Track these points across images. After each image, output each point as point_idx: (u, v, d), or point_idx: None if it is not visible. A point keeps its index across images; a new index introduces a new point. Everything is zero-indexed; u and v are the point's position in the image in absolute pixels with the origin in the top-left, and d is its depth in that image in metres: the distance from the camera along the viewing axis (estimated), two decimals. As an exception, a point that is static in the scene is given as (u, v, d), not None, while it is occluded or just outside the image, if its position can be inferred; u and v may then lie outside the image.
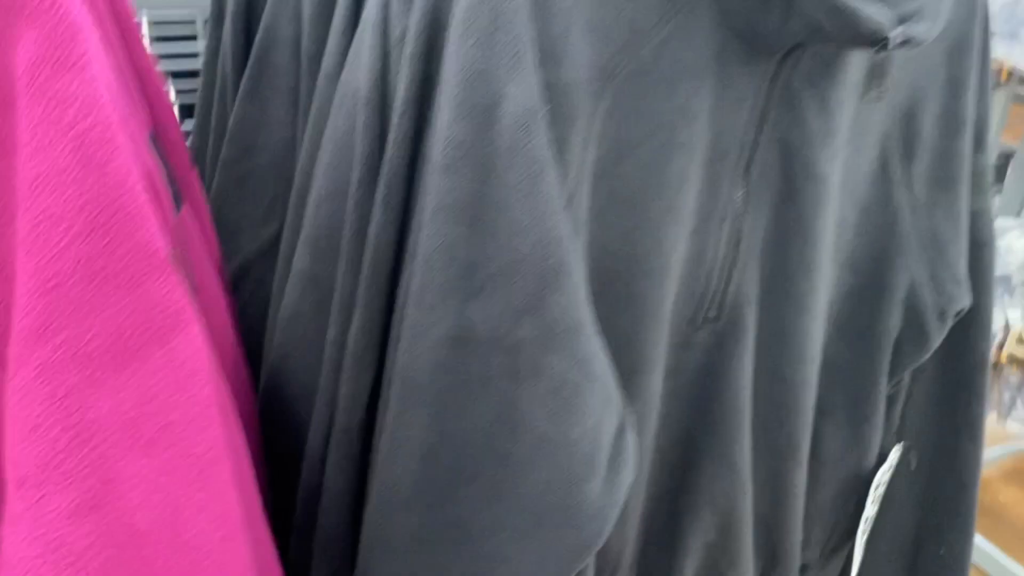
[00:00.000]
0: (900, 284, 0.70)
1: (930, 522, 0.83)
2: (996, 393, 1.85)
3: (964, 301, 0.72)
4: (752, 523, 0.75)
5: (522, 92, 0.45)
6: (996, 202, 1.92)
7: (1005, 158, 1.89)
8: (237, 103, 0.69)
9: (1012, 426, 1.79)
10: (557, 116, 0.49)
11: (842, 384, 0.74)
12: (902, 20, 0.52)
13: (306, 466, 0.57)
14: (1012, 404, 1.79)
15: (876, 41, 0.51)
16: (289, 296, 0.62)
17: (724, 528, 0.73)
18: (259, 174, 0.70)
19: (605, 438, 0.51)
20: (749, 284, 0.65)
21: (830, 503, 0.79)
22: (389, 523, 0.51)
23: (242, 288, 0.73)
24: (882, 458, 0.78)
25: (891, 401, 0.77)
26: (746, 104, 0.58)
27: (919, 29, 0.52)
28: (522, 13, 0.45)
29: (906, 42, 0.51)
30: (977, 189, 0.72)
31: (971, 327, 0.76)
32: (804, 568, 0.83)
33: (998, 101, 1.80)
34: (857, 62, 0.61)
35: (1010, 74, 1.72)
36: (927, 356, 0.73)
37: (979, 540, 1.98)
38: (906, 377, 0.76)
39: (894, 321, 0.71)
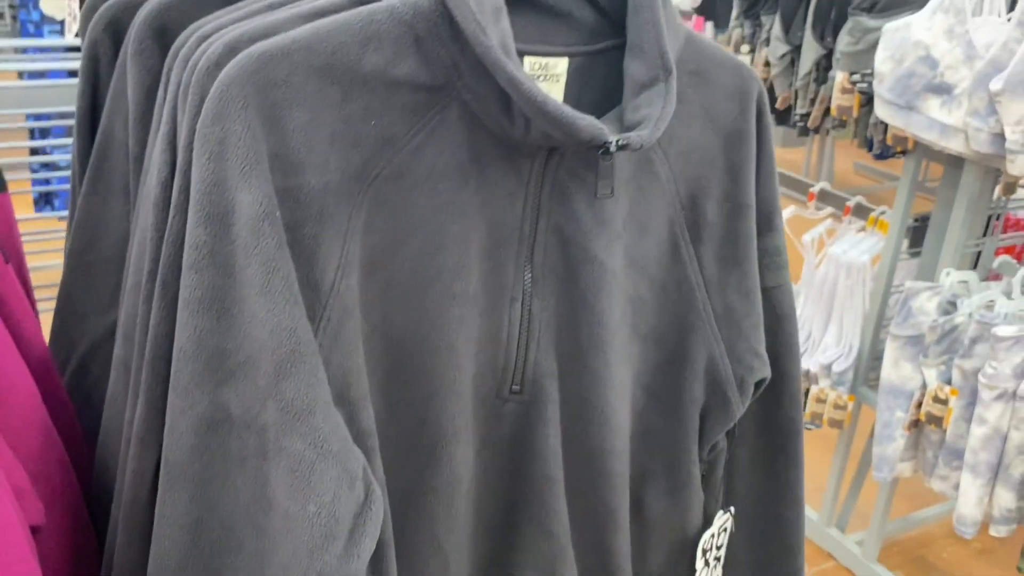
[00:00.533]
0: (700, 356, 0.75)
1: (767, 583, 0.87)
2: (920, 452, 1.88)
3: (763, 372, 0.77)
4: (581, 586, 0.79)
5: (253, 199, 0.51)
6: (914, 265, 1.98)
7: (923, 221, 1.95)
8: (81, 198, 0.75)
9: (935, 484, 1.81)
10: (308, 216, 0.55)
11: (659, 451, 0.78)
12: (627, 129, 0.59)
13: (108, 536, 0.61)
14: (935, 463, 1.81)
15: (598, 147, 0.57)
16: (111, 379, 0.67)
17: (549, 591, 0.76)
18: (102, 264, 0.75)
19: (344, 512, 0.55)
20: (547, 359, 0.70)
21: (662, 565, 0.82)
22: (163, 592, 0.55)
23: (91, 369, 0.77)
24: (707, 522, 0.82)
25: (711, 467, 0.81)
26: (518, 199, 0.64)
27: (637, 137, 0.58)
28: (252, 130, 0.51)
29: (624, 148, 0.57)
30: (773, 266, 0.77)
31: (782, 395, 0.80)
32: (645, 629, 0.86)
33: (908, 167, 1.87)
34: (623, 160, 0.67)
35: (916, 142, 1.79)
36: (733, 424, 0.78)
37: (919, 599, 1.98)
38: (722, 443, 0.80)
39: (698, 391, 0.76)
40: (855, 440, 2.11)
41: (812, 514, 2.23)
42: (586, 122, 0.55)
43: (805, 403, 2.08)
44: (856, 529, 2.21)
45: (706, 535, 0.81)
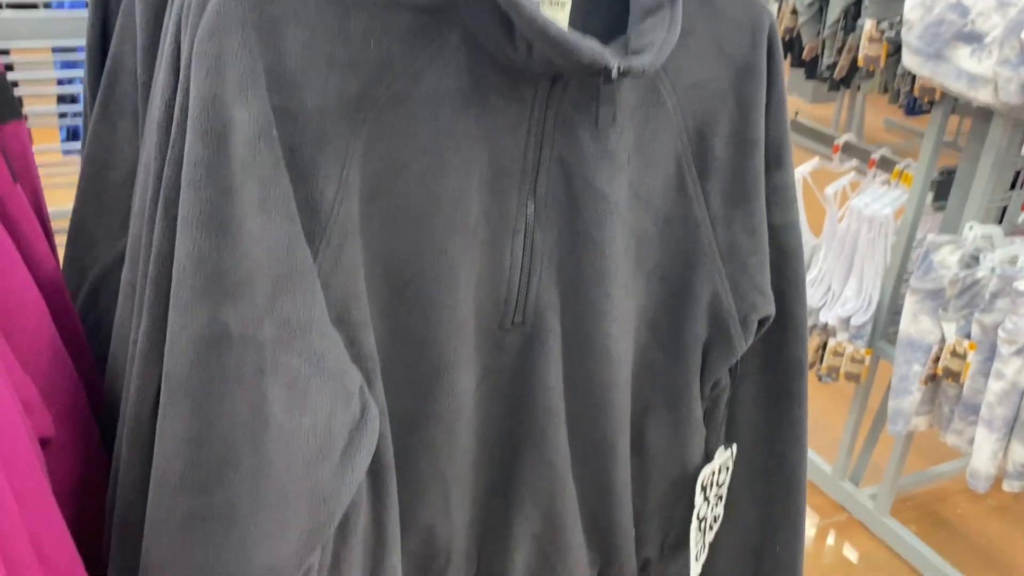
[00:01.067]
0: (704, 293, 0.75)
1: (767, 521, 0.87)
2: (937, 406, 1.87)
3: (767, 309, 0.76)
4: (581, 518, 0.80)
5: (250, 116, 0.51)
6: (938, 219, 1.95)
7: (948, 175, 1.92)
8: (92, 124, 0.75)
9: (950, 439, 1.81)
10: (306, 138, 0.55)
11: (660, 386, 0.78)
12: (632, 54, 0.58)
13: (114, 453, 0.63)
14: (950, 417, 1.81)
15: (598, 72, 0.56)
16: (119, 302, 0.68)
17: (549, 520, 0.78)
18: (113, 190, 0.76)
19: (339, 428, 0.56)
20: (549, 291, 0.70)
21: (662, 500, 0.83)
22: (164, 506, 0.56)
23: (102, 295, 0.79)
24: (708, 458, 0.82)
25: (714, 404, 0.82)
26: (521, 128, 0.64)
27: (639, 62, 0.57)
28: (249, 47, 0.51)
29: (625, 73, 0.57)
30: (781, 204, 0.76)
31: (786, 334, 0.80)
32: (646, 564, 0.87)
33: (935, 119, 1.83)
34: (629, 89, 0.66)
35: (943, 94, 1.75)
36: (735, 361, 0.78)
37: (931, 556, 1.99)
38: (724, 380, 0.80)
39: (700, 327, 0.76)
40: (871, 395, 2.11)
41: (826, 467, 2.24)
42: (587, 46, 0.55)
43: (822, 356, 2.07)
44: (870, 483, 2.22)
45: (706, 470, 0.82)
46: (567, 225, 0.68)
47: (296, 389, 0.54)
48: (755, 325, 0.76)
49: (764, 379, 0.82)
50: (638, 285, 0.74)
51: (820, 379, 2.11)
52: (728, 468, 0.86)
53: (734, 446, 0.84)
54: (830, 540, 2.13)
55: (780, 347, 0.81)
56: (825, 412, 2.44)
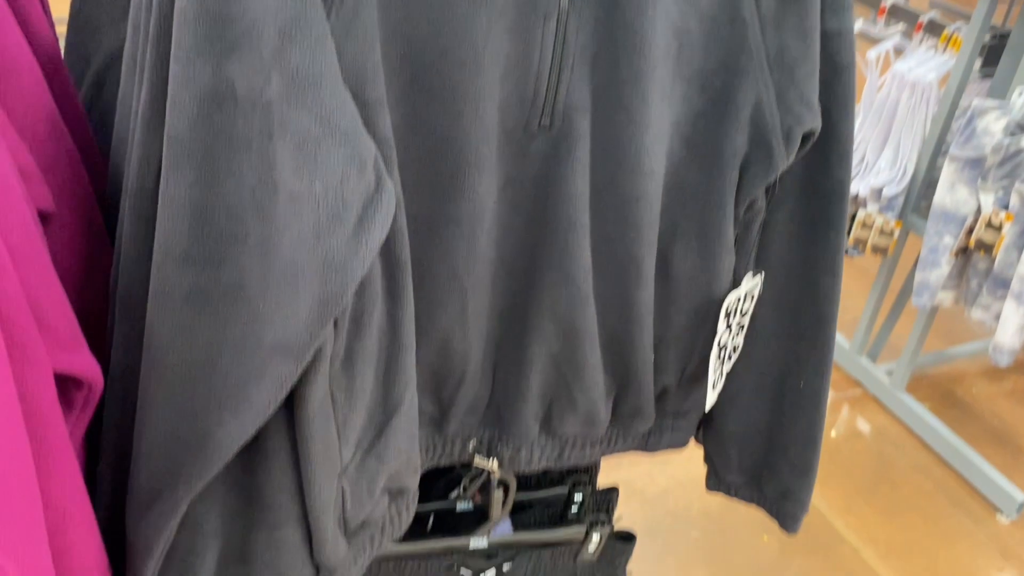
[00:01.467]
0: (746, 102, 0.70)
1: (792, 355, 0.84)
2: (965, 281, 1.83)
3: (812, 123, 0.71)
4: (600, 338, 0.77)
5: None
6: (984, 88, 1.86)
7: (1001, 39, 1.82)
8: None
9: (976, 313, 1.77)
10: None
11: (691, 204, 0.74)
12: None
13: (117, 231, 0.60)
14: (978, 292, 1.77)
15: None
16: (122, 80, 0.64)
17: (567, 338, 0.75)
18: (115, -31, 0.71)
19: (352, 196, 0.53)
20: (580, 91, 0.65)
21: (684, 326, 0.80)
22: (167, 280, 0.53)
23: (107, 83, 0.75)
24: (736, 283, 0.79)
25: (747, 226, 0.77)
26: None
27: None
28: None
29: None
30: (835, 7, 0.70)
31: (830, 153, 0.75)
32: (663, 393, 0.85)
33: (992, -23, 1.72)
34: None
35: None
36: (774, 178, 0.73)
37: (947, 433, 1.99)
38: (760, 202, 0.76)
39: (740, 141, 0.71)
40: (896, 272, 2.07)
41: (843, 342, 2.22)
42: None
43: (850, 228, 2.02)
44: (887, 360, 2.20)
45: (731, 296, 0.78)
46: (605, 13, 0.63)
47: (306, 151, 0.50)
48: (798, 140, 0.71)
49: (802, 202, 0.78)
50: (676, 91, 0.69)
51: (846, 252, 2.06)
52: (754, 296, 0.82)
53: (762, 273, 0.81)
54: (844, 413, 2.13)
55: (822, 168, 0.76)
56: (845, 289, 2.40)
